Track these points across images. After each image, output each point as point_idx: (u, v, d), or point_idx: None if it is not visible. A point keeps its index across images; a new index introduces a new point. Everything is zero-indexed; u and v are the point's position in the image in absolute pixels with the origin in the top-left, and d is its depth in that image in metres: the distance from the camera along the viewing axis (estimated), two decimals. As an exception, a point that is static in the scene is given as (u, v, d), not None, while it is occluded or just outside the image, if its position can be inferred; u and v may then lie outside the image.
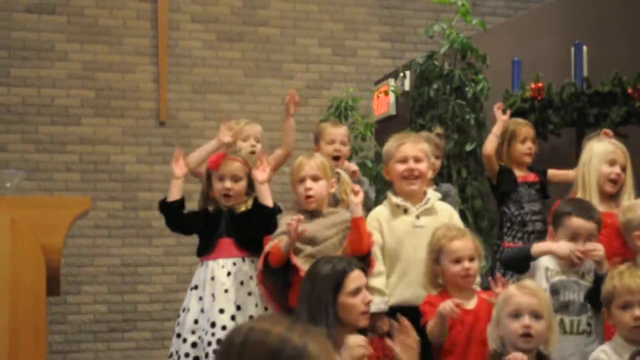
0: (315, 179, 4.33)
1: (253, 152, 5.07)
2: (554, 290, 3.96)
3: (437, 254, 4.01)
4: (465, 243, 3.99)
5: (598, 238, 4.07)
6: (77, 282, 8.25)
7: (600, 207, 4.43)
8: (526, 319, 3.43)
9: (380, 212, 4.46)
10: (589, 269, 4.05)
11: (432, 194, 4.47)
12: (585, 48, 6.15)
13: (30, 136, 8.28)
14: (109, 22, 8.59)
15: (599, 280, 3.93)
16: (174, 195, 4.60)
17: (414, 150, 4.42)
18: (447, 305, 3.77)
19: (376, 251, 4.31)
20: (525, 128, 5.60)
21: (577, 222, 4.00)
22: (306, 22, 9.19)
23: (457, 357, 3.82)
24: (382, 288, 4.24)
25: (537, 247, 3.95)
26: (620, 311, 3.63)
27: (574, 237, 4.00)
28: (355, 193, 4.24)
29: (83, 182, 8.37)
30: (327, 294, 3.57)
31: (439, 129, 5.91)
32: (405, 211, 4.38)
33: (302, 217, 4.16)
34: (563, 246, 3.94)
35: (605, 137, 4.90)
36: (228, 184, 4.51)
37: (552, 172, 5.65)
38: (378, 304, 4.19)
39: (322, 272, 3.62)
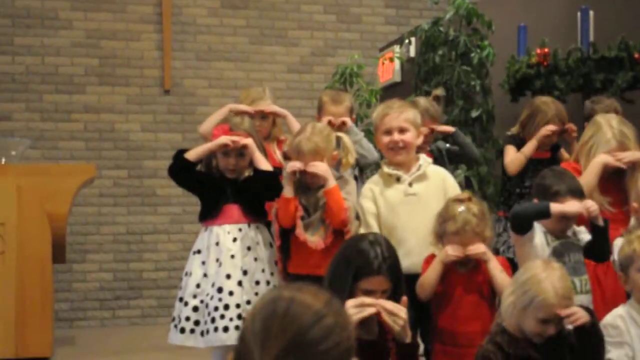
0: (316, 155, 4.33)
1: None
2: (559, 254, 3.95)
3: (442, 229, 4.01)
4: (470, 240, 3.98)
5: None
6: (82, 251, 8.27)
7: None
8: (550, 329, 3.37)
9: (374, 182, 4.42)
10: (572, 230, 4.07)
11: (424, 160, 4.43)
12: (591, 13, 6.12)
13: (35, 105, 8.28)
14: (112, -10, 8.57)
15: (597, 232, 3.98)
16: (194, 156, 4.50)
17: (398, 121, 4.34)
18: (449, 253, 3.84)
19: (371, 221, 4.31)
20: (552, 111, 5.32)
21: (573, 203, 3.98)
22: (311, -11, 9.16)
23: (453, 306, 3.85)
24: None
25: (554, 206, 3.93)
26: (639, 274, 3.59)
27: (565, 215, 3.99)
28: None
29: (88, 151, 8.37)
30: (346, 279, 3.52)
31: (438, 91, 5.80)
32: (398, 180, 4.35)
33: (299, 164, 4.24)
34: (574, 205, 3.93)
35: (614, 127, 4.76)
36: (233, 160, 4.49)
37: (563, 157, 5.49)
38: None
39: (350, 256, 3.59)
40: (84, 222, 8.26)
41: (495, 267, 3.91)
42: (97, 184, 8.01)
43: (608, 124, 4.63)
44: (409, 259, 4.16)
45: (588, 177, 4.41)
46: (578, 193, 4.00)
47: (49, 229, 5.89)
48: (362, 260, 3.54)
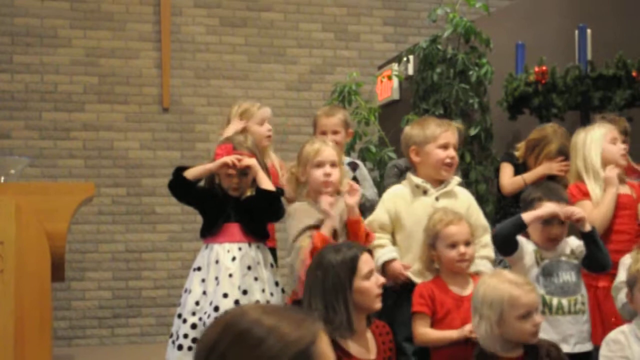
0: (333, 165, 4.32)
1: (269, 137, 5.25)
2: (548, 273, 3.94)
3: (433, 238, 4.00)
4: (461, 227, 3.97)
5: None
6: (81, 269, 8.26)
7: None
8: (537, 318, 3.39)
9: (400, 191, 4.44)
10: (571, 247, 4.05)
11: (454, 178, 4.47)
12: (589, 31, 6.13)
13: (34, 122, 8.29)
14: (111, 8, 8.58)
15: (587, 239, 3.97)
16: (193, 176, 4.47)
17: (454, 139, 4.44)
18: None
19: (378, 230, 4.34)
20: (556, 146, 5.32)
21: (547, 205, 3.99)
22: (309, 7, 9.18)
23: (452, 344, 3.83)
24: (386, 243, 4.28)
25: (525, 215, 3.93)
26: None
27: (548, 220, 3.97)
28: (352, 193, 4.23)
29: (87, 169, 8.37)
30: (343, 280, 3.53)
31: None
32: (425, 192, 4.38)
33: (333, 199, 4.23)
34: (547, 207, 3.93)
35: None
36: (236, 179, 4.47)
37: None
38: (387, 253, 4.27)
39: (334, 260, 3.59)
40: (82, 240, 8.26)
41: None
42: (96, 201, 8.01)
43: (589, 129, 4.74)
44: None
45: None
46: (555, 196, 4.01)
47: (47, 247, 5.86)
48: (349, 264, 3.57)
